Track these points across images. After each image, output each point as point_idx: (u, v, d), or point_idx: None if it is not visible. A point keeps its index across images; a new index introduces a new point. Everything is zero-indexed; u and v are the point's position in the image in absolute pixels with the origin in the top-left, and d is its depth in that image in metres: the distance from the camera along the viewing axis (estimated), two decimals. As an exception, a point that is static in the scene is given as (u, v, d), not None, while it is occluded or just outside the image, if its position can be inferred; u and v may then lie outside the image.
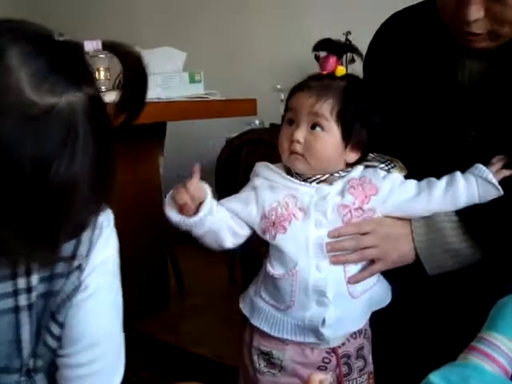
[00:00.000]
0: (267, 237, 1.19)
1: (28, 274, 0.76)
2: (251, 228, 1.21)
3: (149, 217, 2.16)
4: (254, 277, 1.29)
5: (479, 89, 1.25)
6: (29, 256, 0.72)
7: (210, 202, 1.14)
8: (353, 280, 1.19)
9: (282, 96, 2.78)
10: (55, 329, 0.80)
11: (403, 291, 1.25)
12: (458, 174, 1.18)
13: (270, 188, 1.19)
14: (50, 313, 0.78)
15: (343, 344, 1.21)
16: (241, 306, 1.27)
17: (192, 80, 2.22)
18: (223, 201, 1.21)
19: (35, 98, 0.65)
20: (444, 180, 1.19)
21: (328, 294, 1.16)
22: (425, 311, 1.31)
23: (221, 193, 1.69)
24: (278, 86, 2.80)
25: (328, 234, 1.16)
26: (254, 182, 1.22)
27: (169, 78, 2.16)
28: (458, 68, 1.27)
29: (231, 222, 1.19)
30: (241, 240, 1.22)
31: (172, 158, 2.60)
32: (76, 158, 0.66)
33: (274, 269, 1.19)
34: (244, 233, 1.21)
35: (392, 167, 1.21)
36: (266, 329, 1.21)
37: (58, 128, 0.66)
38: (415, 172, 1.22)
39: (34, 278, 0.76)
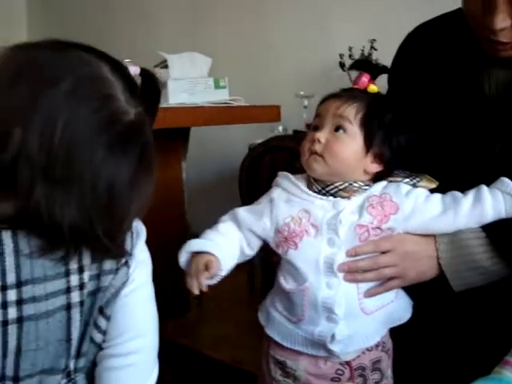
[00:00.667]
0: (279, 251, 1.19)
1: (81, 271, 0.80)
2: (263, 241, 1.21)
3: (170, 221, 2.17)
4: (271, 284, 1.30)
5: (506, 99, 1.24)
6: (109, 249, 0.79)
7: (227, 267, 1.16)
8: (367, 294, 1.17)
9: (306, 102, 2.78)
10: (102, 323, 0.84)
11: (426, 304, 1.23)
12: (485, 189, 1.15)
13: (286, 201, 1.19)
14: (99, 308, 0.83)
15: (358, 356, 1.19)
16: (259, 314, 1.28)
17: (217, 86, 2.22)
18: (240, 211, 1.22)
19: (128, 108, 0.77)
20: (470, 196, 1.15)
21: (336, 311, 1.15)
22: (449, 325, 1.29)
23: (244, 199, 1.69)
24: (302, 93, 2.80)
25: (346, 253, 1.15)
26: (272, 193, 1.22)
27: (194, 84, 2.17)
28: (484, 78, 1.26)
29: (243, 243, 1.21)
30: (252, 253, 1.23)
31: (194, 163, 2.61)
32: (144, 162, 0.79)
33: (286, 282, 1.19)
34: (252, 251, 1.23)
35: (418, 181, 1.18)
36: (278, 339, 1.21)
37: (138, 137, 0.78)
38: (440, 184, 1.21)
39: (86, 275, 0.80)
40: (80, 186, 0.74)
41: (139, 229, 0.88)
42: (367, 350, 1.20)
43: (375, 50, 2.67)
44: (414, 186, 1.18)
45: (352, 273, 1.15)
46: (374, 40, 2.67)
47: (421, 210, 1.16)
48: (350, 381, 1.19)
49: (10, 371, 0.77)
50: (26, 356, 0.78)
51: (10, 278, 0.75)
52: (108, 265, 0.82)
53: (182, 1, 3.56)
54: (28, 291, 0.76)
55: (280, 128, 2.63)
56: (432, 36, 1.36)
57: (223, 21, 3.34)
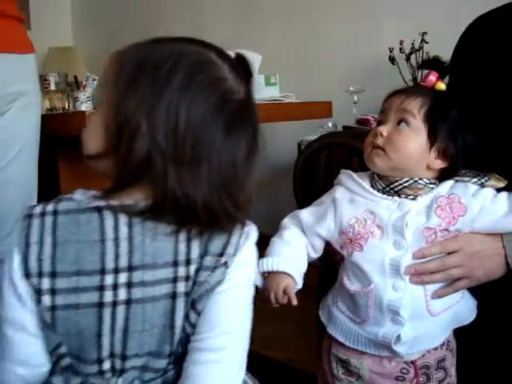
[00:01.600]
0: (344, 252, 1.18)
1: (188, 263, 0.84)
2: (327, 242, 1.20)
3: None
4: (329, 282, 1.28)
5: None
6: (236, 220, 0.86)
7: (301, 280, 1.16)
8: (435, 295, 1.15)
9: (355, 98, 2.75)
10: (193, 316, 0.86)
11: (491, 303, 1.21)
12: None
13: (349, 201, 1.17)
14: (192, 301, 0.85)
15: (423, 355, 1.18)
16: (320, 312, 1.27)
17: (268, 83, 2.22)
18: (303, 214, 1.20)
19: (237, 87, 0.82)
20: None
21: (402, 313, 1.13)
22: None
23: (299, 196, 1.67)
24: (351, 88, 2.77)
25: (413, 255, 1.13)
26: (336, 192, 1.20)
27: (244, 81, 2.17)
28: None
29: (308, 248, 1.20)
30: (317, 256, 1.22)
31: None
32: (256, 136, 0.85)
33: (351, 283, 1.18)
34: (317, 254, 1.21)
35: (486, 181, 1.15)
36: (341, 339, 1.20)
37: (250, 114, 0.84)
38: (508, 183, 1.18)
39: (192, 268, 0.84)
40: (207, 165, 0.79)
41: (250, 230, 0.89)
42: (433, 349, 1.18)
43: (426, 43, 2.63)
44: (482, 185, 1.15)
45: (419, 275, 1.13)
46: (425, 33, 2.62)
47: (488, 211, 1.14)
48: (415, 380, 1.17)
49: (117, 349, 0.83)
50: (133, 336, 0.83)
51: (123, 262, 0.81)
52: (208, 261, 0.85)
53: (228, 2, 3.56)
54: (138, 276, 0.82)
55: (330, 124, 2.61)
56: (493, 27, 1.33)
57: (273, 17, 3.33)
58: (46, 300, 0.81)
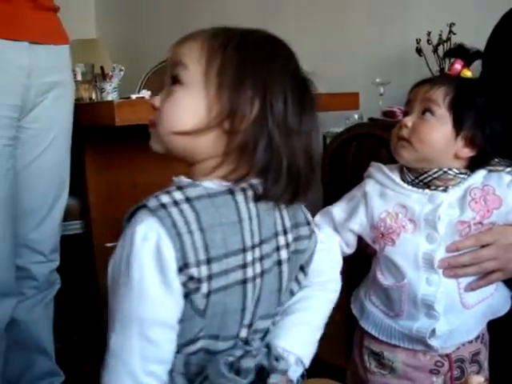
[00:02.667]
0: (376, 247, 1.17)
1: (285, 233, 0.91)
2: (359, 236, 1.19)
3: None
4: (358, 275, 1.27)
5: None
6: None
7: None
8: (469, 288, 1.14)
9: (382, 90, 2.72)
10: (301, 277, 0.97)
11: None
12: None
13: (380, 195, 1.16)
14: (300, 266, 0.95)
15: (457, 349, 1.16)
16: (351, 305, 1.26)
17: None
18: (334, 210, 1.20)
19: (306, 81, 0.87)
20: None
21: (437, 307, 1.12)
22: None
23: (327, 188, 1.66)
24: (378, 80, 2.74)
25: (446, 249, 1.12)
26: (366, 186, 1.19)
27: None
28: None
29: (342, 245, 1.20)
30: (351, 251, 1.22)
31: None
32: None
33: (384, 278, 1.17)
34: (351, 250, 1.22)
35: None
36: (374, 333, 1.19)
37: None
38: None
39: (290, 236, 0.92)
40: (304, 136, 0.85)
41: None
42: (468, 342, 1.17)
43: (454, 34, 2.59)
44: None
45: (452, 268, 1.12)
46: (453, 24, 2.58)
47: None
48: (449, 373, 1.16)
49: (249, 319, 0.88)
50: (261, 305, 0.89)
51: (256, 238, 0.86)
52: (302, 231, 0.94)
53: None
54: (265, 249, 0.88)
55: (356, 116, 2.58)
56: None
57: (299, 8, 3.31)
58: (204, 287, 0.81)
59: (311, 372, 2.05)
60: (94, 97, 2.12)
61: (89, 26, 4.33)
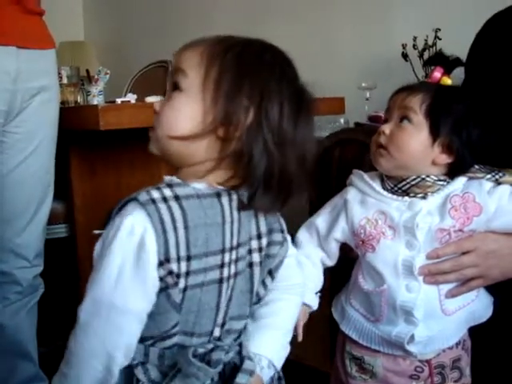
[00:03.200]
0: (359, 252, 1.18)
1: (259, 237, 0.94)
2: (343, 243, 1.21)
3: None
4: (340, 281, 1.28)
5: None
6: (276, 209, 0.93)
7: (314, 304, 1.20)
8: (449, 295, 1.15)
9: (368, 94, 2.73)
10: (268, 281, 0.98)
11: (507, 301, 1.20)
12: None
13: (360, 203, 1.17)
14: (269, 270, 0.97)
15: (438, 355, 1.17)
16: (332, 309, 1.26)
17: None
18: (318, 222, 1.22)
19: (303, 89, 0.89)
20: None
21: (416, 314, 1.13)
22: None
23: (311, 193, 1.66)
24: (364, 84, 2.75)
25: (427, 255, 1.12)
26: (347, 193, 1.20)
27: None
28: None
29: (324, 260, 1.23)
30: (332, 264, 1.25)
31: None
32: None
33: (365, 282, 1.18)
34: (333, 262, 1.24)
35: (500, 176, 1.13)
36: (355, 337, 1.20)
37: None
38: None
39: (264, 241, 0.95)
40: (297, 144, 0.87)
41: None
42: (448, 348, 1.17)
43: (439, 39, 2.60)
44: (497, 181, 1.13)
45: (433, 275, 1.12)
46: (439, 29, 2.60)
47: (505, 211, 1.12)
48: (429, 379, 1.16)
49: (222, 318, 0.92)
50: (233, 305, 0.92)
51: (234, 241, 0.90)
52: (276, 237, 0.97)
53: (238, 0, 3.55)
54: (240, 251, 0.91)
55: (342, 120, 2.59)
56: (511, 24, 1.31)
57: (284, 13, 3.32)
58: (182, 282, 0.84)
59: (295, 376, 2.06)
60: (79, 100, 2.11)
61: (77, 29, 4.32)
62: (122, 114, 1.65)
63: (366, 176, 1.18)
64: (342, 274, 1.27)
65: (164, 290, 0.84)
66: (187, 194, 0.85)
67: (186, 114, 0.86)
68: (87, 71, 2.25)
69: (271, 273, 0.98)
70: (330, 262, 1.22)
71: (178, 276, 0.84)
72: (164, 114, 0.88)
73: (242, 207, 0.89)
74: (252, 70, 0.86)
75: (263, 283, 0.98)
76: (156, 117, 0.89)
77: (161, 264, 0.82)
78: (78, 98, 2.09)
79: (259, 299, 0.99)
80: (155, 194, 0.83)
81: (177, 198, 0.84)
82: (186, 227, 0.83)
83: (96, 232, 0.86)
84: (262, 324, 1.01)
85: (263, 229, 0.95)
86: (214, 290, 0.89)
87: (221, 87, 0.84)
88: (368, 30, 3.02)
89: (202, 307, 0.88)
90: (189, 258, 0.84)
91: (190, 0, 3.74)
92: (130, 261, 0.82)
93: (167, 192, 0.84)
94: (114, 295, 0.82)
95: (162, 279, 0.83)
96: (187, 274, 0.84)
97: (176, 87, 0.88)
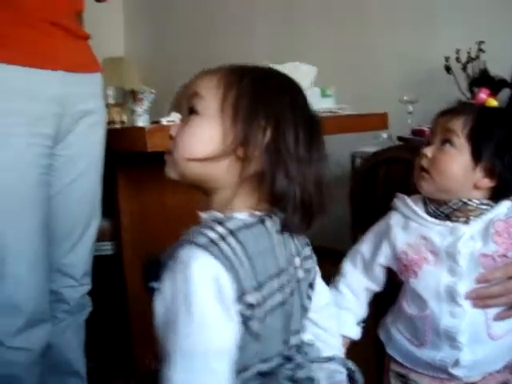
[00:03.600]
0: (402, 277, 1.19)
1: (298, 254, 0.97)
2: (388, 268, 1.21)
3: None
4: (385, 302, 1.28)
5: None
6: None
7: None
8: (497, 317, 1.14)
9: (410, 108, 2.71)
10: (311, 293, 1.01)
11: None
12: None
13: (403, 227, 1.18)
14: (309, 284, 1.00)
15: (484, 378, 1.16)
16: (378, 331, 1.27)
17: (323, 94, 2.21)
18: (363, 249, 1.24)
19: (313, 114, 0.94)
20: None
21: (460, 338, 1.12)
22: None
23: (356, 212, 1.66)
24: (406, 98, 2.73)
25: (475, 280, 1.12)
26: (390, 218, 1.21)
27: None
28: None
29: (371, 287, 1.25)
30: (380, 289, 1.26)
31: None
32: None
33: (408, 307, 1.18)
34: (380, 287, 1.25)
35: None
36: (399, 359, 1.21)
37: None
38: None
39: (301, 258, 0.97)
40: (312, 163, 0.90)
41: None
42: (495, 371, 1.16)
43: (483, 52, 2.57)
44: None
45: (482, 299, 1.11)
46: (482, 42, 2.57)
47: None
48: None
49: (287, 337, 0.94)
50: (293, 321, 0.94)
51: (284, 262, 0.93)
52: (306, 251, 1.00)
53: (278, 15, 3.56)
54: (290, 270, 0.94)
55: (384, 135, 2.57)
56: None
57: (326, 29, 3.31)
58: (259, 312, 0.86)
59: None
60: (125, 119, 2.14)
61: (117, 44, 4.38)
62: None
63: (409, 200, 1.18)
64: (387, 296, 1.27)
65: (244, 322, 0.85)
66: (238, 226, 0.87)
67: (204, 136, 0.89)
68: (132, 91, 2.28)
69: (311, 286, 1.01)
70: (377, 288, 1.23)
71: (255, 306, 0.85)
72: (182, 137, 0.91)
73: (281, 229, 0.91)
74: (266, 94, 0.90)
75: (308, 296, 1.00)
76: (172, 141, 0.92)
77: (238, 299, 0.84)
78: (124, 117, 2.13)
79: (306, 311, 1.01)
80: (212, 234, 0.84)
81: (232, 233, 0.86)
82: (248, 258, 0.86)
83: (154, 285, 0.85)
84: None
85: (298, 246, 0.98)
86: (280, 313, 0.91)
87: (239, 110, 0.88)
88: (410, 42, 2.99)
89: (274, 331, 0.91)
90: (259, 287, 0.86)
91: (231, 19, 3.76)
92: (213, 302, 0.82)
93: (220, 229, 0.85)
94: (206, 341, 0.82)
95: (240, 313, 0.84)
96: (261, 302, 0.86)
97: (192, 111, 0.91)
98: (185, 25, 4.04)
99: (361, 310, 1.23)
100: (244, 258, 0.85)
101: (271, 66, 2.23)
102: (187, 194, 1.91)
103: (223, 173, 0.89)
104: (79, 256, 1.60)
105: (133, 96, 2.23)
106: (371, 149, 2.57)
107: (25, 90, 1.38)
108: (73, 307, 1.62)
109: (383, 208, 1.27)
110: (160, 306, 0.84)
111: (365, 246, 1.23)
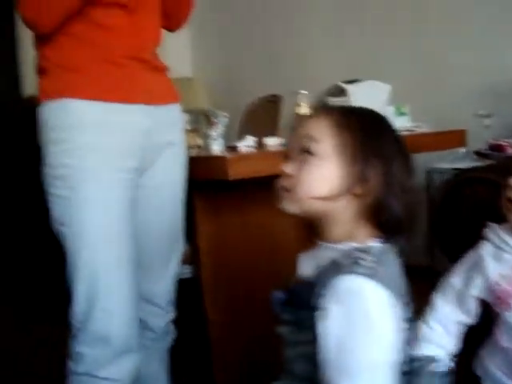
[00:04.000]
0: (496, 309, 1.16)
1: None
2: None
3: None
4: (478, 334, 1.25)
5: None
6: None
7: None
8: None
9: (486, 122, 2.65)
10: None
11: None
12: None
13: (495, 258, 1.15)
14: None
15: None
16: (474, 364, 1.24)
17: (398, 113, 2.18)
18: (455, 281, 1.22)
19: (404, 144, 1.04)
20: None
21: None
22: None
23: (439, 233, 1.63)
24: (481, 112, 2.67)
25: None
26: (482, 249, 1.18)
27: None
28: None
29: (463, 319, 1.22)
30: (473, 321, 1.23)
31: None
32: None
33: (502, 339, 1.15)
34: (473, 319, 1.22)
35: None
36: None
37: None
38: None
39: None
40: (411, 192, 1.00)
41: None
42: None
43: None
44: None
45: None
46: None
47: None
48: None
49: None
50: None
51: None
52: None
53: (348, 32, 3.55)
54: None
55: (462, 150, 2.52)
56: None
57: (400, 47, 3.29)
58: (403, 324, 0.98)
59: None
60: (200, 143, 2.15)
61: (185, 65, 4.43)
62: (250, 163, 1.76)
63: (499, 230, 1.15)
64: (482, 328, 1.24)
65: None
66: (380, 253, 0.98)
67: (323, 176, 1.00)
68: (206, 115, 2.29)
69: None
70: (470, 320, 1.20)
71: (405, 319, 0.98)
72: (303, 177, 1.01)
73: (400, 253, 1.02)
74: (376, 135, 1.01)
75: None
76: (290, 179, 1.02)
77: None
78: (200, 141, 2.14)
79: None
80: (368, 263, 0.95)
81: (380, 260, 0.96)
82: (394, 281, 0.97)
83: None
84: None
85: None
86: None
87: (354, 152, 0.99)
88: (483, 55, 2.94)
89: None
90: (400, 304, 0.97)
91: (301, 33, 3.76)
92: (391, 321, 0.94)
93: (371, 258, 0.96)
94: (389, 354, 0.94)
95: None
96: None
97: (308, 152, 1.01)
98: (250, 46, 4.07)
99: (451, 345, 1.21)
100: (391, 281, 0.96)
101: (347, 84, 2.22)
102: (266, 218, 1.93)
103: (342, 208, 0.99)
104: (164, 285, 1.62)
105: (207, 120, 2.24)
106: (449, 165, 2.52)
107: (113, 124, 1.42)
108: (158, 335, 1.64)
109: (472, 231, 1.24)
110: (330, 333, 0.94)
111: (457, 279, 1.20)
